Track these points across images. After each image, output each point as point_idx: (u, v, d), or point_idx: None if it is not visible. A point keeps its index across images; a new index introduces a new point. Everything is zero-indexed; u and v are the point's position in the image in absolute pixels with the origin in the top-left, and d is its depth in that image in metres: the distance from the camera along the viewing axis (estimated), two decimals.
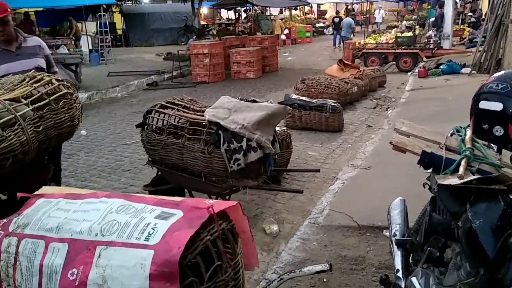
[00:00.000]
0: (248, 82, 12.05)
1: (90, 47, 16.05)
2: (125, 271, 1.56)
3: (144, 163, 5.62)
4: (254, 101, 3.87)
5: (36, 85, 2.80)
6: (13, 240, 1.80)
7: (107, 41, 16.66)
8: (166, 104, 3.94)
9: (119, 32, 23.58)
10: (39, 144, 2.80)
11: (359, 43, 14.62)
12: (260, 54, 13.27)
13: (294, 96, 7.34)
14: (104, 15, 16.20)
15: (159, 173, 4.16)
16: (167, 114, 3.83)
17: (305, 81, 8.50)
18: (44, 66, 3.57)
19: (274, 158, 3.79)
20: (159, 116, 3.89)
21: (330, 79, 8.50)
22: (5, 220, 1.91)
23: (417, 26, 20.47)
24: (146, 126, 3.97)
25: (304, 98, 7.22)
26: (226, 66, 13.16)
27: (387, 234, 3.44)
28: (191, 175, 3.74)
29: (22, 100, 2.69)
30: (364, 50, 13.48)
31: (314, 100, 7.06)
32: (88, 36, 16.34)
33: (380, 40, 14.91)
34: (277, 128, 4.09)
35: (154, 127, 3.92)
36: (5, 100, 2.63)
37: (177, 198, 1.84)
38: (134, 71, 13.46)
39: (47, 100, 2.78)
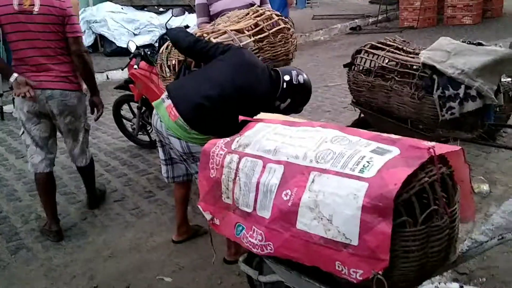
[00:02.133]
0: (463, 28, 10.81)
1: None
2: (337, 198, 1.57)
3: (345, 106, 5.65)
4: (480, 44, 3.41)
5: (258, 18, 2.95)
6: (234, 157, 1.98)
7: None
8: (377, 44, 3.77)
9: None
10: None
11: None
12: None
13: None
14: None
15: (361, 115, 4.08)
16: (377, 54, 3.68)
17: None
18: (258, 2, 3.67)
19: (495, 111, 3.35)
20: (368, 56, 3.76)
21: None
22: (228, 139, 2.10)
23: None
24: (353, 66, 3.89)
25: None
26: (438, 11, 12.01)
27: None
28: (396, 120, 3.57)
29: (245, 31, 2.88)
30: None
31: None
32: None
33: None
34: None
35: (362, 67, 3.81)
36: (231, 30, 2.85)
37: (393, 136, 1.76)
38: (338, 15, 13.31)
39: (267, 33, 2.92)
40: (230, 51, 2.56)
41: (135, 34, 8.50)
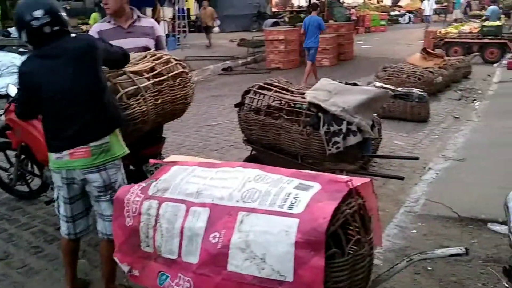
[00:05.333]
0: (323, 69, 11.89)
1: (167, 32, 16.50)
2: (269, 237, 1.61)
3: (230, 144, 5.79)
4: (355, 84, 3.82)
5: (156, 62, 2.94)
6: (153, 203, 1.91)
7: (183, 26, 17.10)
8: (264, 85, 3.98)
9: (193, 17, 24.04)
10: (156, 117, 2.94)
11: (440, 32, 13.97)
12: (336, 42, 13.06)
13: (377, 84, 7.16)
14: (179, 0, 16.59)
15: (252, 153, 4.22)
16: (265, 94, 3.88)
17: (386, 69, 8.28)
18: (153, 47, 3.58)
19: (371, 143, 3.74)
20: (256, 96, 3.94)
21: (414, 68, 8.21)
22: (143, 184, 2.03)
23: (502, 16, 19.19)
24: (243, 106, 4.03)
25: (387, 86, 7.04)
26: (300, 53, 13.09)
27: (494, 228, 3.32)
28: (287, 156, 3.77)
29: (144, 73, 2.84)
30: (447, 40, 12.89)
31: (399, 88, 6.87)
32: (165, 21, 16.79)
33: (463, 29, 14.16)
34: None
35: (251, 107, 3.97)
36: (129, 72, 2.78)
37: (311, 172, 1.88)
38: (209, 56, 13.71)
39: (166, 76, 2.92)
40: None
41: None
